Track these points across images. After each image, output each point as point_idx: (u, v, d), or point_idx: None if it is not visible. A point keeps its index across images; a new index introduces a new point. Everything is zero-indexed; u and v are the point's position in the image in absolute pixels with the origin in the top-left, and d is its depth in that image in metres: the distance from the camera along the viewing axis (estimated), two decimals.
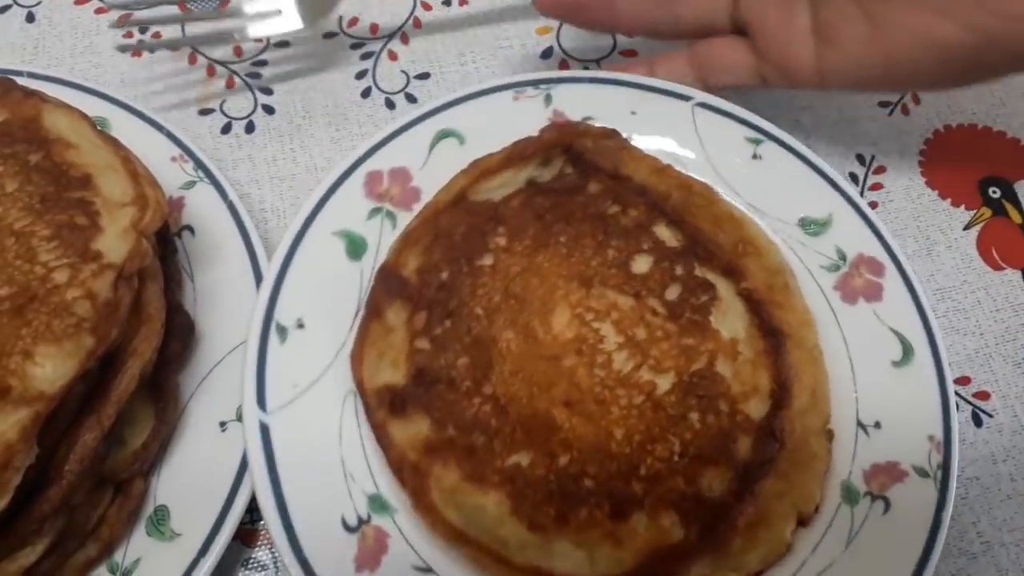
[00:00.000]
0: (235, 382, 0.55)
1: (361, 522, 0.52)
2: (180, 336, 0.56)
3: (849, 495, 0.56)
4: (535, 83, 0.68)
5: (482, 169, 0.63)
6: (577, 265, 0.61)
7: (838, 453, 0.57)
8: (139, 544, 0.52)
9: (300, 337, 0.56)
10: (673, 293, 0.61)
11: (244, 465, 0.54)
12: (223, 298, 0.60)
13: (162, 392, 0.55)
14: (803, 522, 0.54)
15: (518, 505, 0.52)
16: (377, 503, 0.53)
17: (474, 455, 0.53)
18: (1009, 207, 0.72)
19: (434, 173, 0.63)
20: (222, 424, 0.55)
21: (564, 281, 0.60)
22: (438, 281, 0.59)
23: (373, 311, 0.58)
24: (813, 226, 0.64)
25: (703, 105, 0.68)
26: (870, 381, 0.59)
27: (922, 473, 0.55)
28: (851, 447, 0.57)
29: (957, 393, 0.64)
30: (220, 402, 0.56)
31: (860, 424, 0.58)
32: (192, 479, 0.54)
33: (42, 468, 0.47)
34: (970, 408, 0.65)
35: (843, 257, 0.63)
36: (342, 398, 0.55)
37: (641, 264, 0.62)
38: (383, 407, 0.54)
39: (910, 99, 0.76)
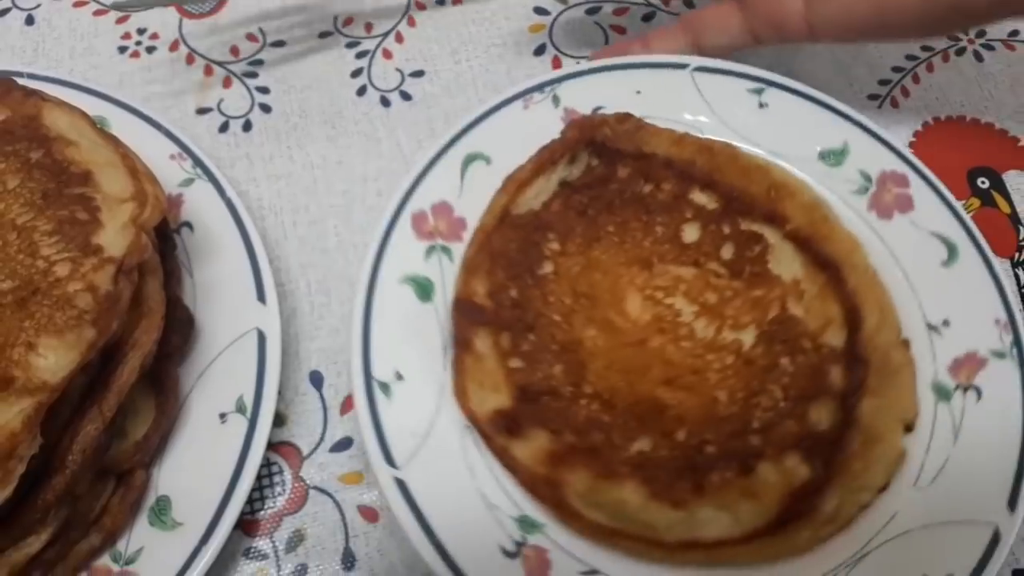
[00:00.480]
0: (235, 375, 0.55)
1: (518, 545, 0.51)
2: (180, 330, 0.55)
3: (941, 393, 0.57)
4: (540, 87, 0.66)
5: (516, 183, 0.62)
6: (632, 250, 0.60)
7: (918, 358, 0.58)
8: (141, 534, 0.51)
9: (403, 388, 0.55)
10: (728, 252, 0.60)
11: (244, 455, 0.53)
12: (222, 293, 0.58)
13: (163, 385, 0.53)
14: (909, 429, 0.55)
15: (654, 488, 0.51)
16: (526, 523, 0.52)
17: (598, 453, 0.52)
18: (997, 197, 0.72)
19: (472, 199, 0.62)
20: (222, 416, 0.54)
21: (625, 268, 0.59)
22: (510, 300, 0.58)
23: (462, 344, 0.56)
24: (832, 156, 0.65)
25: (700, 69, 0.67)
26: (926, 285, 0.60)
27: (999, 355, 0.57)
28: (928, 350, 0.58)
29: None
30: (220, 394, 0.55)
31: (930, 326, 0.59)
32: (193, 470, 0.53)
33: (45, 459, 0.47)
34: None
35: (868, 178, 0.64)
36: (460, 434, 0.54)
37: (690, 233, 0.61)
38: (500, 432, 0.54)
39: (899, 92, 0.75)
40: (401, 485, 0.52)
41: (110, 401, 0.49)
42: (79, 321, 0.47)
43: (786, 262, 0.60)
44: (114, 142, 0.56)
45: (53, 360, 0.46)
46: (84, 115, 0.57)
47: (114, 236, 0.51)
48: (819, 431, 0.55)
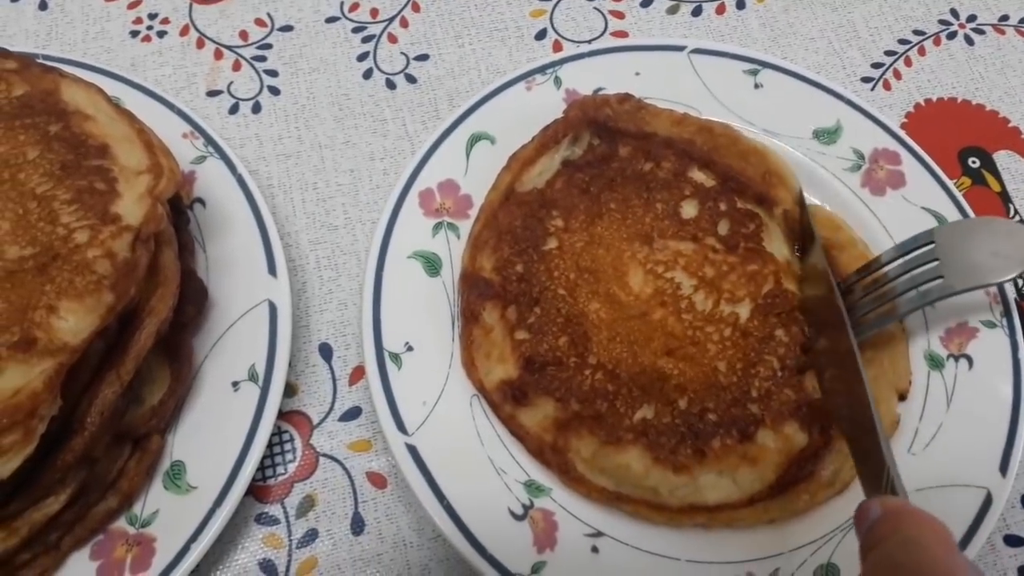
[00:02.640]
0: (247, 345, 0.56)
1: (526, 508, 0.53)
2: (194, 301, 0.56)
3: (934, 362, 0.58)
4: (542, 69, 0.67)
5: (521, 161, 0.63)
6: (633, 225, 0.61)
7: (912, 328, 0.59)
8: (157, 497, 0.52)
9: (413, 359, 0.56)
10: (724, 228, 0.61)
11: (256, 422, 0.54)
12: (234, 266, 0.59)
13: (178, 354, 0.54)
14: (903, 397, 0.57)
15: (657, 454, 0.53)
16: (533, 487, 0.54)
17: (603, 420, 0.54)
18: (988, 176, 0.72)
19: (478, 177, 0.63)
20: (234, 384, 0.55)
21: (627, 243, 0.60)
22: (516, 274, 0.59)
23: (470, 317, 0.57)
24: (826, 135, 0.66)
25: (697, 51, 0.69)
26: None
27: (990, 325, 0.58)
28: (922, 320, 0.59)
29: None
30: (232, 363, 0.56)
31: None
32: (207, 436, 0.54)
33: (65, 421, 0.48)
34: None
35: (861, 156, 0.65)
36: (468, 402, 0.56)
37: (689, 209, 0.62)
38: (507, 401, 0.55)
39: (891, 74, 0.76)
40: (412, 451, 0.53)
41: (127, 366, 0.50)
42: (98, 286, 0.48)
43: (778, 242, 0.62)
44: (129, 117, 0.56)
45: (73, 322, 0.47)
46: (100, 91, 0.57)
47: (131, 206, 0.51)
48: (816, 399, 0.56)
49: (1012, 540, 0.57)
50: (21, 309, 0.46)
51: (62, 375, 0.46)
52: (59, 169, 0.52)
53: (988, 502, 0.53)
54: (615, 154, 0.64)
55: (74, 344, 0.46)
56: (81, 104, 0.55)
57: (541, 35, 0.77)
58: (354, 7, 0.78)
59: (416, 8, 0.78)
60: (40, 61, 0.58)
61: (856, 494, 0.54)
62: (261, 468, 0.57)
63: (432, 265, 0.60)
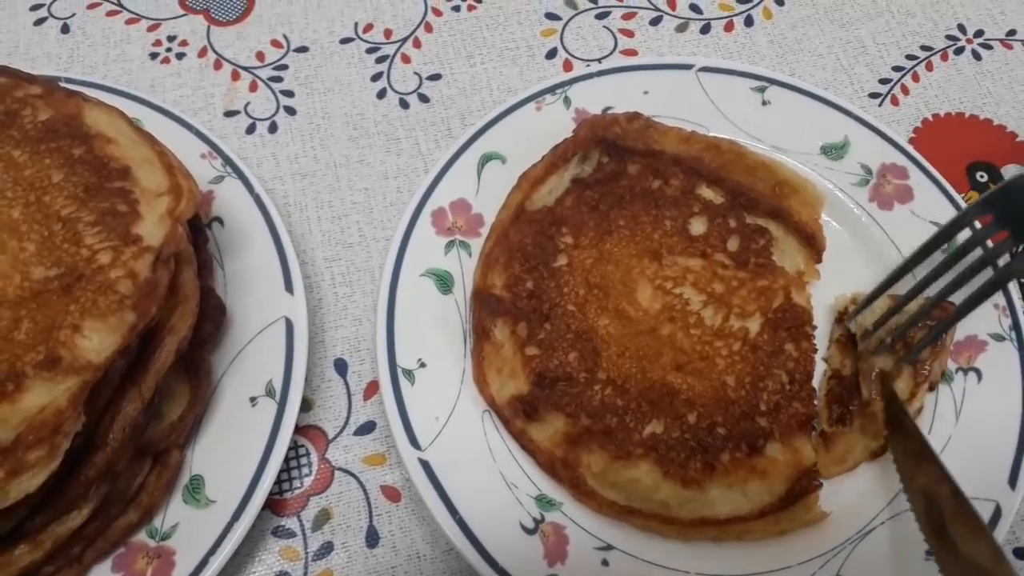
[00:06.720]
0: (264, 361, 0.57)
1: (537, 522, 0.54)
2: (213, 318, 0.57)
3: (943, 375, 0.58)
4: (551, 89, 0.68)
5: (531, 180, 0.64)
6: (642, 242, 0.62)
7: None
8: (176, 511, 0.53)
9: (426, 375, 0.57)
10: (734, 244, 0.62)
11: (274, 437, 0.54)
12: (252, 284, 0.61)
13: (197, 370, 0.55)
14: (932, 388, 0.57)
15: (667, 468, 0.54)
16: (544, 502, 0.54)
17: (613, 435, 0.55)
18: None
19: (489, 196, 0.64)
20: (252, 399, 0.56)
21: (636, 260, 0.61)
22: (526, 291, 0.60)
23: (481, 333, 0.59)
24: (834, 151, 0.67)
25: (705, 69, 0.69)
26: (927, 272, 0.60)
27: (998, 338, 0.59)
28: None
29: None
30: (250, 379, 0.57)
31: None
32: (225, 451, 0.55)
33: (88, 437, 0.49)
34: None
35: (869, 171, 0.66)
36: (480, 417, 0.57)
37: (697, 226, 0.63)
38: (518, 417, 0.56)
39: (899, 90, 0.76)
40: (425, 465, 0.54)
41: (148, 382, 0.51)
42: (121, 305, 0.49)
43: (790, 254, 0.62)
44: (150, 139, 0.58)
45: (97, 341, 0.48)
46: (122, 114, 0.58)
47: (152, 227, 0.53)
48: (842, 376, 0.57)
49: (1022, 553, 0.57)
50: (46, 328, 0.48)
51: (86, 392, 0.47)
52: (83, 192, 0.53)
53: (998, 515, 0.53)
54: (624, 172, 0.65)
55: (97, 362, 0.47)
56: (103, 127, 0.57)
57: (551, 54, 0.78)
58: (368, 28, 0.79)
59: (429, 29, 0.79)
60: (63, 85, 0.60)
61: (865, 508, 0.55)
62: (278, 482, 0.58)
63: (444, 283, 0.61)
